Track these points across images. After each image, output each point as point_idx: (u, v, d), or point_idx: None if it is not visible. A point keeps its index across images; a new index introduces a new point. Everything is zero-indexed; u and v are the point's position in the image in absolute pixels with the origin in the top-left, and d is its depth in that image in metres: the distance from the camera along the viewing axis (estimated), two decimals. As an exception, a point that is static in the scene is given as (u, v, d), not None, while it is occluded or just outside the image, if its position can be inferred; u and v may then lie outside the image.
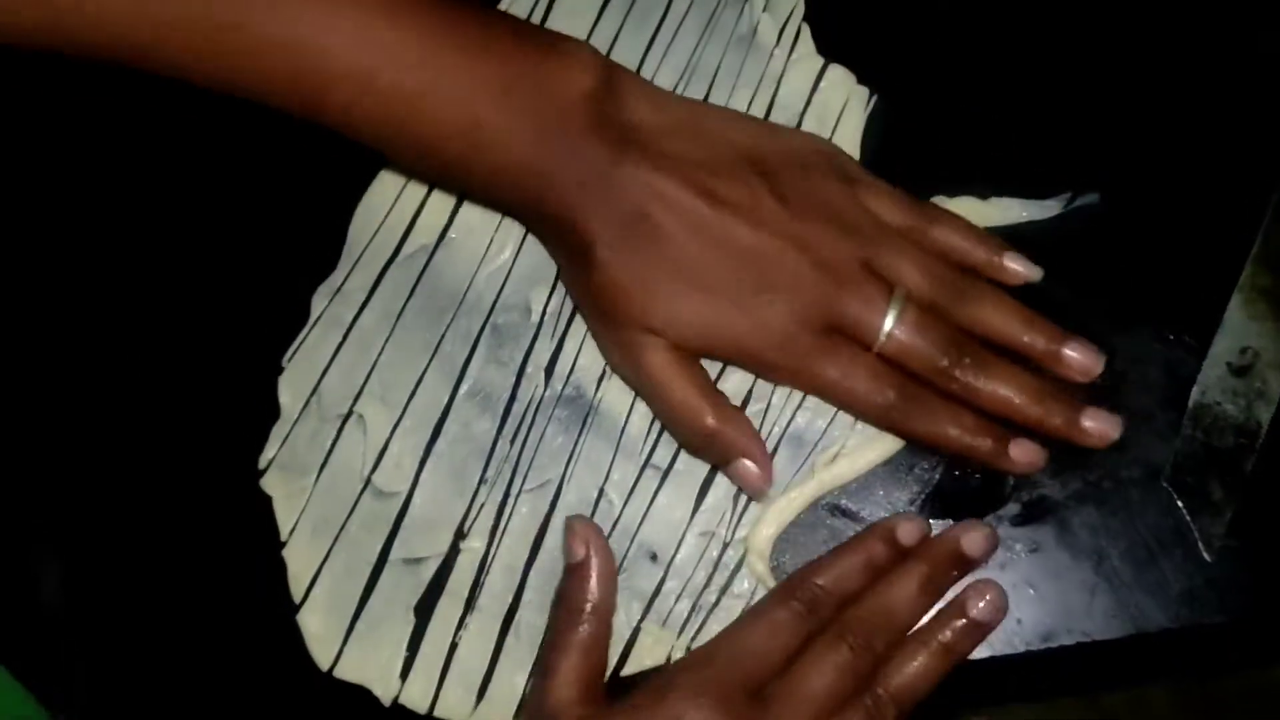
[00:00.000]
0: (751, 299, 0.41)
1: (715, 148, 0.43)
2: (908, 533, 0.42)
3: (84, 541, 0.45)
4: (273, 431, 0.46)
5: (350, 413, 0.45)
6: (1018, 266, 0.44)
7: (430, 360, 0.46)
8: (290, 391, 0.46)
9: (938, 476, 0.44)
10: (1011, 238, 0.45)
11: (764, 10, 0.49)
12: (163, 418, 0.46)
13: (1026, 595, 0.42)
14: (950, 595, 0.42)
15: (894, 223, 0.44)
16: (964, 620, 0.41)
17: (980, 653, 0.42)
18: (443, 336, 0.46)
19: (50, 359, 0.47)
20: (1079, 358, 0.43)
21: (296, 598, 0.44)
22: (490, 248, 0.47)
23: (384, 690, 0.43)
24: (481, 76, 0.40)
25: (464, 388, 0.46)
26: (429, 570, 0.44)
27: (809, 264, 0.41)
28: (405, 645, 0.43)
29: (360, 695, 0.43)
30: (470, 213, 0.47)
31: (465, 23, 0.41)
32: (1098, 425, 0.42)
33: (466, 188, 0.44)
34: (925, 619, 0.41)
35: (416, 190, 0.48)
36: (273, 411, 0.46)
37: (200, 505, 0.45)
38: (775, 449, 0.44)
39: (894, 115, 0.48)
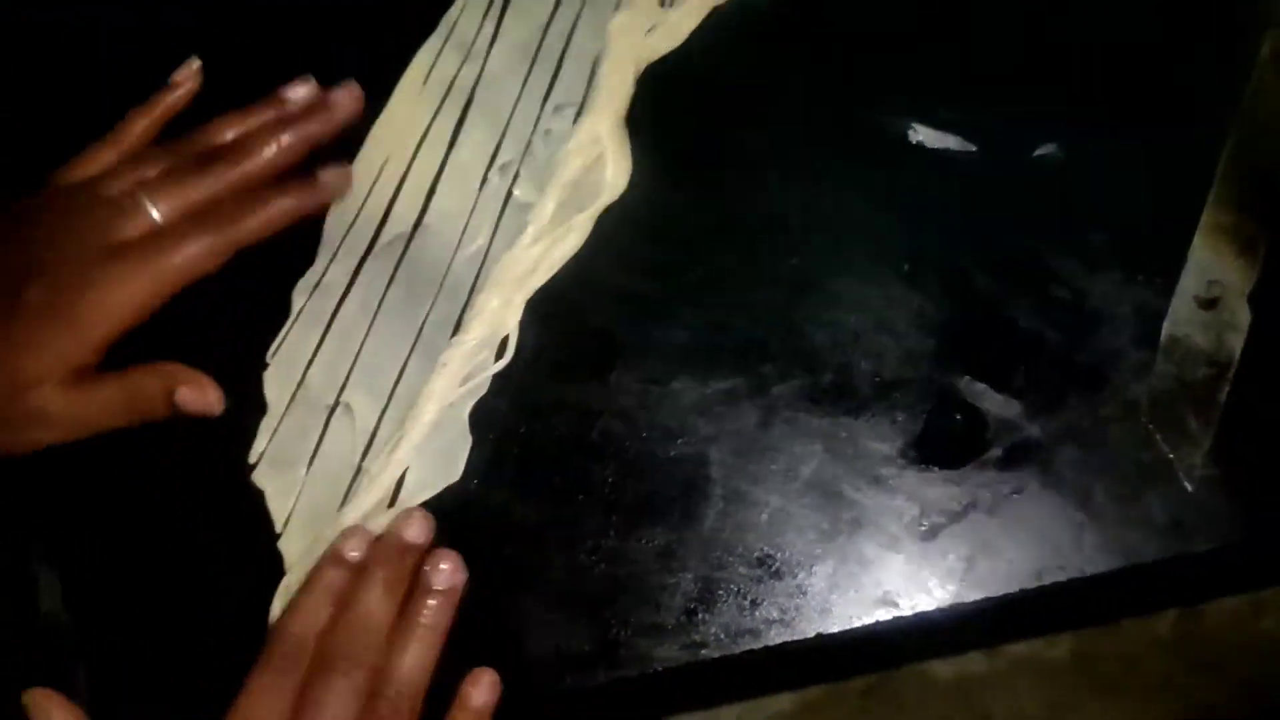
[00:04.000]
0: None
1: None
2: (353, 548, 0.43)
3: (80, 547, 0.45)
4: (260, 426, 0.46)
5: (337, 403, 0.46)
6: None
7: (413, 346, 0.46)
8: (276, 387, 0.46)
9: (920, 426, 0.44)
10: (978, 190, 0.46)
11: None
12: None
13: (1016, 537, 0.43)
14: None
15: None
16: (431, 597, 0.42)
17: (974, 594, 0.42)
18: (424, 322, 0.47)
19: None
20: None
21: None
22: (465, 232, 0.48)
23: (386, 674, 0.43)
24: None
25: (448, 371, 0.46)
26: (425, 552, 0.44)
27: None
28: (405, 628, 0.43)
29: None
30: (444, 200, 0.48)
31: None
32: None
33: None
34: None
35: (390, 181, 0.49)
36: (260, 407, 0.46)
37: (193, 504, 0.45)
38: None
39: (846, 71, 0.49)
